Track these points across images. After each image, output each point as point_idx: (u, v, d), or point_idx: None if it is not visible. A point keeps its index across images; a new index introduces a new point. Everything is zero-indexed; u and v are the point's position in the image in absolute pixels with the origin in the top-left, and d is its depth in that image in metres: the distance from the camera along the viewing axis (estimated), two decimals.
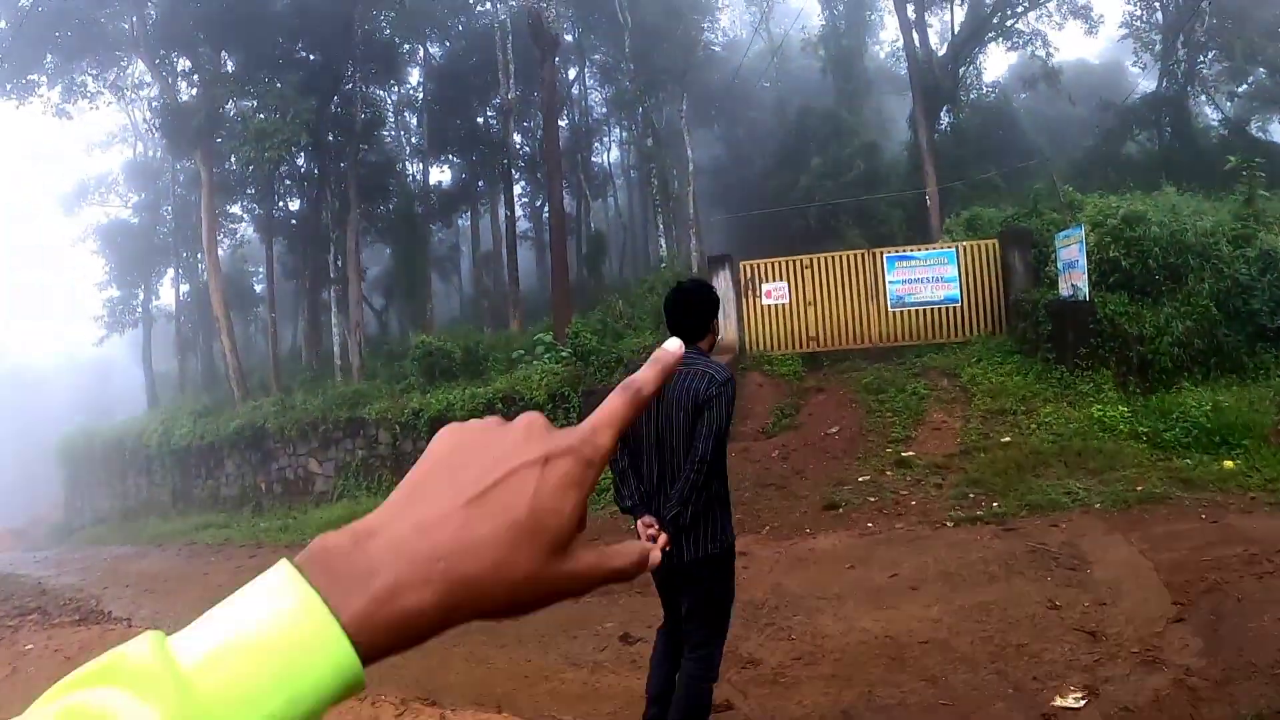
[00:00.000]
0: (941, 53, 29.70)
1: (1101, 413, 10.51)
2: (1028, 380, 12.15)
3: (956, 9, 30.53)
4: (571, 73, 37.87)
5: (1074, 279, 12.07)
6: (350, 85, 27.69)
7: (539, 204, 39.26)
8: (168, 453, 24.90)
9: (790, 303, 15.56)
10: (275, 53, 26.37)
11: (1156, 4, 29.14)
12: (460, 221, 40.45)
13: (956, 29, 29.96)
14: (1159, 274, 12.21)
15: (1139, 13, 29.65)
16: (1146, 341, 11.66)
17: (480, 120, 35.62)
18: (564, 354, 16.28)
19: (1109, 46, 44.14)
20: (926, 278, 15.16)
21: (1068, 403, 11.25)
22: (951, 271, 15.06)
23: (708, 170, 41.86)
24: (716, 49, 40.07)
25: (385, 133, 36.20)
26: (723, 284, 15.63)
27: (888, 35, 40.95)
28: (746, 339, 15.69)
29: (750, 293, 15.72)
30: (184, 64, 27.47)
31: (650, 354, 0.61)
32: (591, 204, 40.91)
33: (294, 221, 33.11)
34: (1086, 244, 11.94)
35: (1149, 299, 12.19)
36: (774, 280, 15.68)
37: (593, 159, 42.40)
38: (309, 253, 30.15)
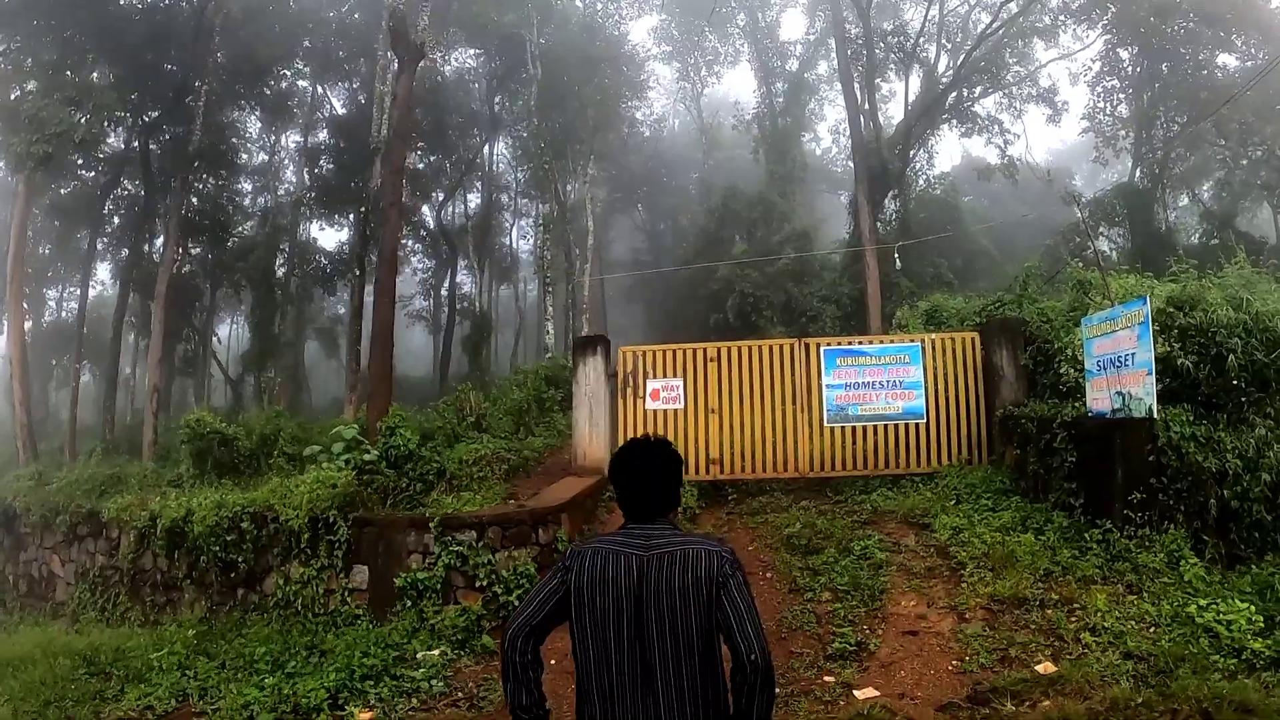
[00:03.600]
0: (890, 133, 26.28)
1: (1209, 614, 5.91)
2: (1047, 540, 7.54)
3: (910, 85, 27.52)
4: (490, 148, 34.67)
5: (1123, 384, 7.62)
6: (190, 101, 23.12)
7: (434, 280, 35.68)
8: None
9: (685, 408, 10.86)
10: (110, 45, 22.19)
11: (1121, 96, 26.37)
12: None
13: (908, 107, 26.70)
14: (1239, 379, 7.81)
15: (1101, 104, 26.75)
16: (1229, 481, 7.20)
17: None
18: (368, 456, 11.46)
19: (1055, 154, 42.33)
20: (880, 381, 10.65)
21: (1127, 585, 6.66)
22: (915, 374, 10.59)
23: (624, 262, 38.89)
24: (644, 130, 37.11)
25: (262, 178, 32.27)
26: (591, 376, 11.02)
27: (826, 125, 38.59)
28: None
29: (631, 391, 10.99)
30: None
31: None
32: (498, 287, 37.78)
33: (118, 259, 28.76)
34: (1139, 330, 7.55)
35: (1224, 415, 7.77)
36: (664, 375, 11.00)
37: (501, 239, 39.11)
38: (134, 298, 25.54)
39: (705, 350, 11.06)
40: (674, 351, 11.11)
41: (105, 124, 20.23)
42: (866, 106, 26.12)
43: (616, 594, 2.68)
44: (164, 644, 9.89)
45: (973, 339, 10.71)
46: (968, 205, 32.06)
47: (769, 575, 7.80)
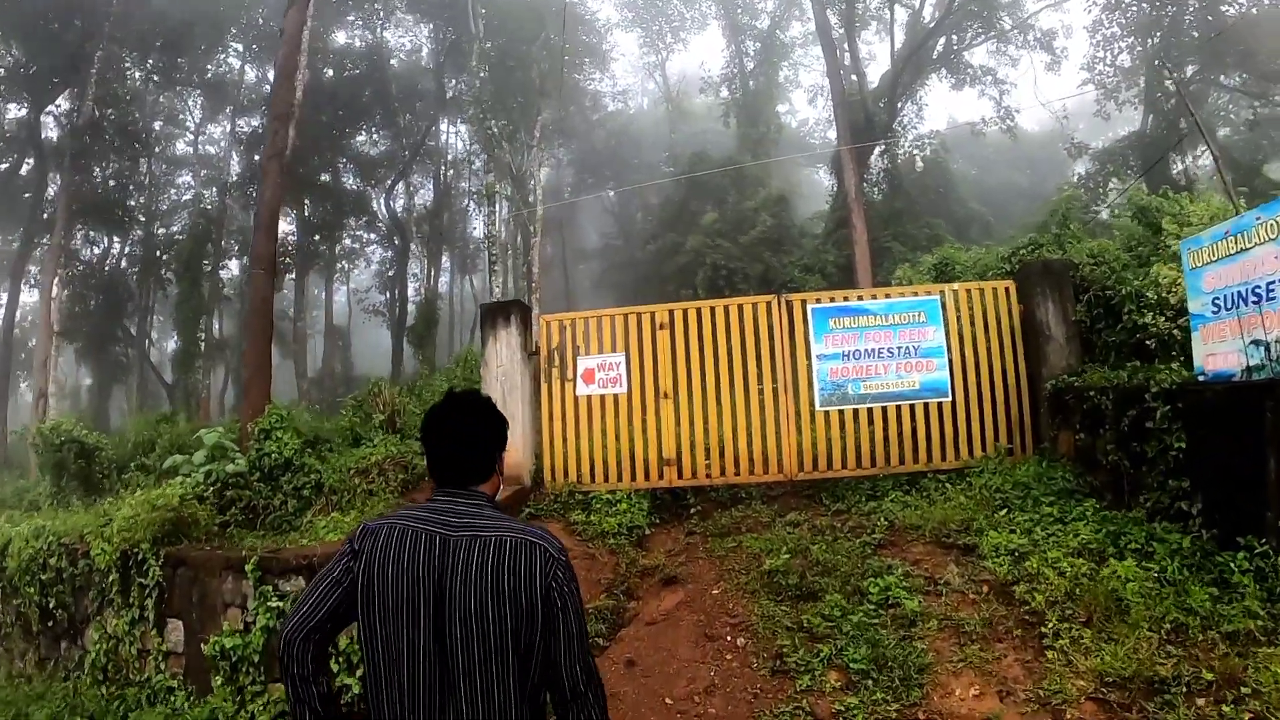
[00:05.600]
0: (875, 84, 23.77)
1: None
2: (1161, 569, 4.94)
3: (895, 39, 24.98)
4: (441, 127, 32.60)
5: (1268, 327, 5.02)
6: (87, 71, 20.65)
7: (393, 272, 33.81)
8: None
9: (630, 393, 8.20)
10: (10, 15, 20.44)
11: (1122, 45, 24.00)
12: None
13: (894, 57, 24.19)
14: None
15: (1101, 54, 24.33)
16: None
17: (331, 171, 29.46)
18: (233, 466, 8.90)
19: (1053, 114, 40.53)
20: (888, 348, 8.00)
21: None
22: (935, 336, 7.96)
23: (595, 247, 36.92)
24: (607, 104, 35.16)
25: (191, 166, 30.03)
26: (504, 354, 8.34)
27: (802, 93, 36.37)
28: (544, 459, 8.22)
29: (557, 372, 8.33)
30: None
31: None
32: (463, 279, 36.14)
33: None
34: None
35: None
36: (600, 351, 8.34)
37: (461, 226, 37.39)
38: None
39: (654, 315, 8.37)
40: (611, 318, 8.42)
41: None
42: (848, 61, 23.70)
43: (413, 584, 2.03)
44: None
45: (1007, 289, 8.08)
46: (958, 171, 29.79)
47: (740, 641, 5.06)
